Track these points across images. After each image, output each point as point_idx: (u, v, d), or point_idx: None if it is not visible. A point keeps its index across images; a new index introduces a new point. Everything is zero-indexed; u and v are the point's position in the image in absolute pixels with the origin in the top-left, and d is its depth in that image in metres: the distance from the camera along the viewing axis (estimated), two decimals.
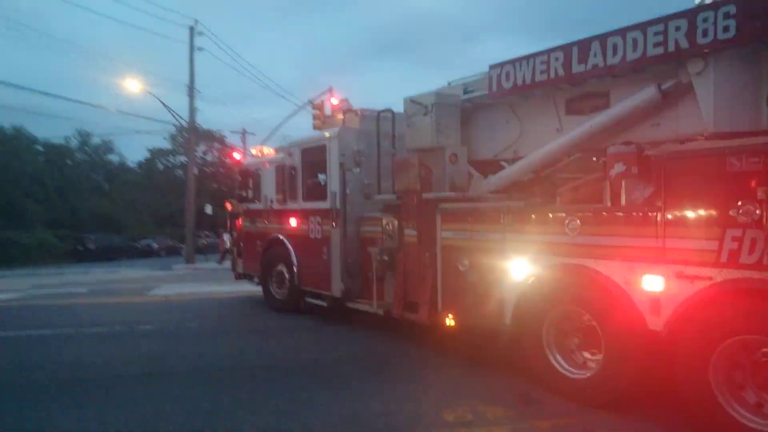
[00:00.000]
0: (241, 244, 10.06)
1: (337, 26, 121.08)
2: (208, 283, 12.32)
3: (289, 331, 7.60)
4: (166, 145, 46.68)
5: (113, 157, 48.95)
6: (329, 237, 7.60)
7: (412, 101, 6.44)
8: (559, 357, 4.72)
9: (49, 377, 5.38)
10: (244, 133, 30.72)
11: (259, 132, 32.73)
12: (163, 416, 4.18)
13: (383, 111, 6.98)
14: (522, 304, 4.94)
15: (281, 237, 8.68)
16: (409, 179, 6.22)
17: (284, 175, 8.52)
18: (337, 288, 7.50)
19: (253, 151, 9.92)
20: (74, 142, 45.67)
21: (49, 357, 6.28)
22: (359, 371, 5.58)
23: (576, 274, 4.54)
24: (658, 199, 4.03)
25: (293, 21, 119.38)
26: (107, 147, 47.56)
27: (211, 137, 40.84)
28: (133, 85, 23.94)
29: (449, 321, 5.75)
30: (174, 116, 24.48)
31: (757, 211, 3.48)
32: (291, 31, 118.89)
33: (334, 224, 7.48)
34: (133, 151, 69.76)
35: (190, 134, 25.97)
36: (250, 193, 9.73)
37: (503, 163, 6.40)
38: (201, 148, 37.71)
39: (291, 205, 8.45)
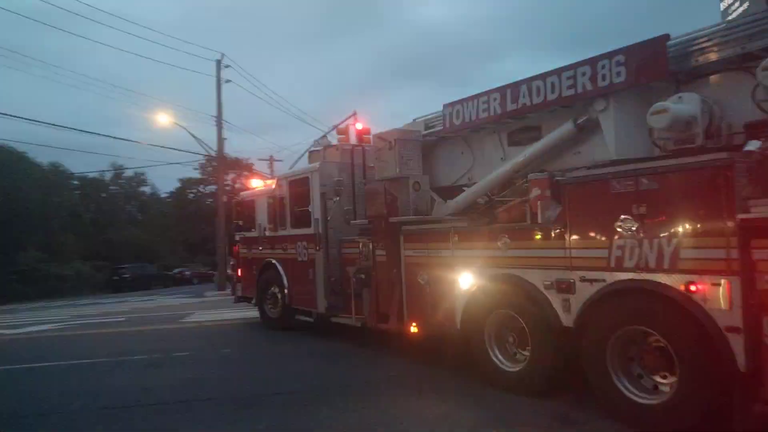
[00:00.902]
0: (239, 270, 11.07)
1: (358, 51, 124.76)
2: (240, 309, 12.18)
3: (321, 356, 7.69)
4: (196, 174, 47.78)
5: (146, 189, 50.72)
6: (314, 259, 8.53)
7: (378, 137, 7.45)
8: (498, 353, 5.56)
9: (90, 405, 5.57)
10: (271, 160, 31.35)
11: (286, 158, 33.76)
12: None
13: (356, 146, 7.99)
14: (468, 310, 5.80)
15: (273, 261, 9.65)
16: (378, 205, 7.18)
17: (274, 205, 9.55)
18: (321, 305, 8.41)
19: (252, 183, 11.00)
20: (108, 176, 47.69)
21: (89, 386, 6.49)
22: (393, 393, 5.59)
23: (508, 283, 5.40)
24: (564, 217, 4.92)
25: (315, 48, 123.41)
26: (140, 179, 49.50)
27: (239, 165, 42.08)
28: (163, 119, 25.30)
29: (413, 328, 6.60)
30: (203, 147, 25.59)
31: (634, 225, 4.37)
32: (313, 58, 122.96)
33: (317, 248, 8.44)
34: (164, 182, 71.88)
35: (219, 163, 26.90)
36: (260, 221, 10.72)
37: (465, 188, 7.36)
38: (230, 176, 38.61)
39: (281, 232, 9.44)
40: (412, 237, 6.70)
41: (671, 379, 4.18)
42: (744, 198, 3.80)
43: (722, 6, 5.02)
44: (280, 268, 9.44)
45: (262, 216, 10.06)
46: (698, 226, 3.98)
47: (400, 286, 6.77)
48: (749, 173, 3.89)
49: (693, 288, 3.97)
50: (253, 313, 11.43)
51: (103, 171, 45.72)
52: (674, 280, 4.08)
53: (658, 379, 4.30)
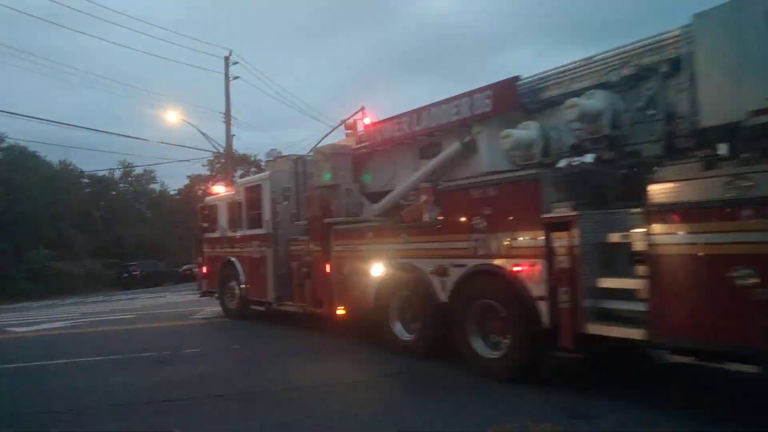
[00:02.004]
0: (204, 267, 12.44)
1: (365, 45, 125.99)
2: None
3: (328, 352, 7.80)
4: (205, 171, 47.58)
5: (155, 186, 50.96)
6: (266, 256, 9.97)
7: (316, 151, 8.93)
8: (399, 326, 7.06)
9: (100, 403, 5.64)
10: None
11: (293, 153, 34.81)
12: None
13: (299, 157, 9.46)
14: (378, 293, 7.27)
15: (232, 259, 11.07)
16: (315, 209, 8.64)
17: (233, 208, 10.98)
18: (271, 296, 9.84)
19: (215, 189, 12.39)
20: (118, 174, 48.04)
21: (100, 383, 6.57)
22: (401, 390, 5.76)
23: (405, 270, 6.89)
24: (442, 217, 6.42)
25: (321, 42, 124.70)
26: (149, 176, 49.82)
27: (247, 161, 42.49)
28: (172, 116, 25.63)
29: (341, 311, 8.07)
30: (211, 143, 25.90)
31: (483, 223, 5.87)
32: (319, 53, 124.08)
33: (268, 246, 9.88)
34: (173, 179, 71.80)
35: (227, 160, 27.15)
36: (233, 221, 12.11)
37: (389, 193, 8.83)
38: (238, 173, 39.04)
39: (238, 233, 10.88)
40: (340, 235, 8.17)
41: (507, 339, 5.69)
42: (550, 202, 5.33)
43: None
44: (237, 264, 10.86)
45: (223, 219, 11.47)
46: (520, 223, 5.50)
47: (331, 275, 8.24)
48: (556, 184, 5.42)
49: (516, 269, 5.48)
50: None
51: (113, 169, 46.49)
52: (505, 263, 5.59)
53: (499, 339, 5.81)
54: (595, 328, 4.91)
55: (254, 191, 10.39)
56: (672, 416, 4.47)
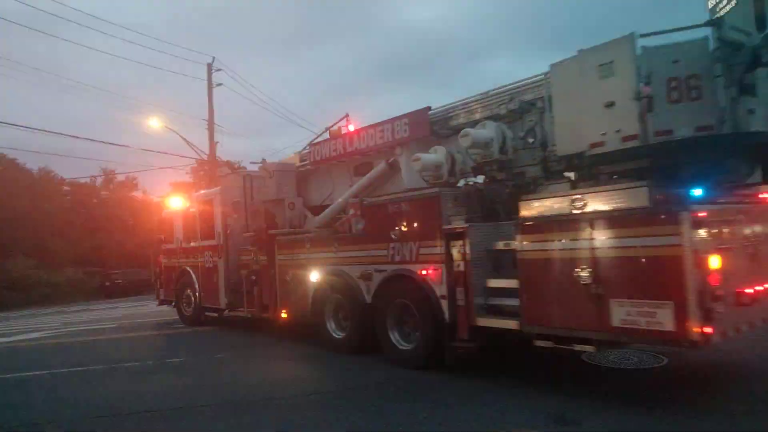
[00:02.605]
0: (162, 277, 13.11)
1: (347, 53, 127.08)
2: (229, 313, 11.41)
3: (307, 359, 7.93)
4: (188, 179, 47.99)
5: (137, 194, 50.08)
6: (217, 265, 10.78)
7: (262, 168, 9.82)
8: (333, 325, 8.00)
9: (83, 414, 5.65)
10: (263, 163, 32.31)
11: (278, 160, 35.23)
12: None
13: (248, 173, 10.33)
14: (315, 297, 8.20)
15: (188, 268, 11.81)
16: (260, 221, 9.52)
17: (188, 221, 11.73)
18: (223, 302, 10.65)
19: (171, 203, 13.09)
20: (99, 181, 47.39)
21: (82, 394, 6.56)
22: (392, 397, 5.71)
23: (337, 276, 7.84)
24: (367, 229, 7.41)
25: (304, 51, 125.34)
26: (131, 183, 49.16)
27: (230, 168, 42.58)
28: (154, 123, 25.66)
29: (284, 314, 8.96)
30: (195, 150, 26.03)
31: (397, 234, 6.87)
32: (303, 61, 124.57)
33: (220, 256, 10.69)
34: (156, 187, 71.05)
35: (210, 167, 26.72)
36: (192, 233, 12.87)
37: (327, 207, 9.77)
38: None
39: (193, 243, 11.64)
40: (283, 245, 9.07)
41: (418, 332, 6.70)
42: (449, 215, 6.37)
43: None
44: (192, 273, 11.61)
45: (179, 230, 12.20)
46: (426, 233, 6.53)
47: (275, 283, 9.12)
48: (455, 200, 6.47)
49: (424, 272, 6.51)
50: (243, 317, 11.33)
51: (95, 176, 45.86)
52: (416, 268, 6.61)
53: (412, 332, 6.82)
54: (483, 321, 5.97)
55: (207, 204, 11.19)
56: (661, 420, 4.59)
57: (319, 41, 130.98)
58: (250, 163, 11.86)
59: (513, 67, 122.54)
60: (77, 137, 39.29)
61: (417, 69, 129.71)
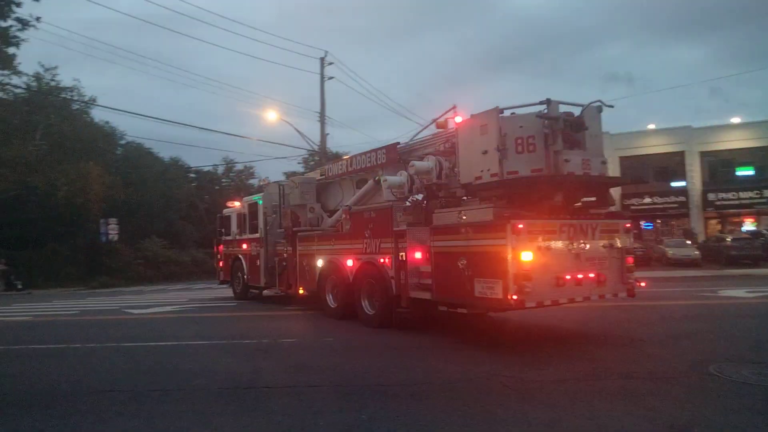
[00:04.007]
0: (221, 262, 17.27)
1: (453, 44, 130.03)
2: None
3: (423, 348, 8.06)
4: (300, 168, 49.70)
5: (253, 182, 54.27)
6: (259, 254, 14.59)
7: (291, 180, 13.47)
8: (330, 298, 11.43)
9: (208, 385, 6.08)
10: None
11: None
12: (305, 427, 4.52)
13: (281, 184, 14.04)
14: (319, 277, 11.66)
15: (239, 256, 15.77)
16: (288, 221, 13.17)
17: (240, 219, 15.71)
18: (262, 282, 14.43)
19: (228, 204, 17.20)
20: (221, 169, 53.37)
21: (206, 365, 7.11)
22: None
23: (333, 262, 11.26)
24: (352, 229, 10.79)
25: (410, 41, 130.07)
26: (248, 172, 54.89)
27: (339, 159, 46.90)
28: (271, 115, 28.17)
29: (301, 291, 12.54)
30: (307, 142, 28.50)
31: (369, 233, 10.19)
32: (409, 52, 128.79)
33: (261, 247, 14.50)
34: (271, 175, 77.28)
35: (321, 158, 28.81)
36: (244, 228, 16.96)
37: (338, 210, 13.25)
38: None
39: (243, 237, 15.58)
40: (302, 239, 12.65)
41: (377, 302, 9.97)
42: (400, 220, 9.59)
43: None
44: (242, 260, 15.56)
45: (233, 226, 16.22)
46: (383, 233, 9.79)
47: (296, 267, 12.74)
48: (405, 210, 9.68)
49: (382, 260, 9.76)
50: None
51: (216, 165, 52.33)
52: (377, 257, 9.88)
53: (374, 302, 10.10)
54: (414, 294, 9.11)
55: (254, 207, 15.06)
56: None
57: (425, 31, 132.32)
58: (282, 173, 15.37)
59: (628, 54, 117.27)
60: (202, 128, 45.15)
61: (525, 58, 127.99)
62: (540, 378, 5.97)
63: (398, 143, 10.82)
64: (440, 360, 7.15)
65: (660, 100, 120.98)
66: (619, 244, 8.39)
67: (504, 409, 4.91)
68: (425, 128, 11.43)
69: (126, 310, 14.82)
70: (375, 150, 11.28)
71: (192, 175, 49.71)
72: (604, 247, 8.21)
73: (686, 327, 9.34)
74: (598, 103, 8.22)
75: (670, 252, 29.54)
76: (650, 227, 38.35)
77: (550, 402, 5.11)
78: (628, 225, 8.68)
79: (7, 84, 30.32)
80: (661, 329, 9.15)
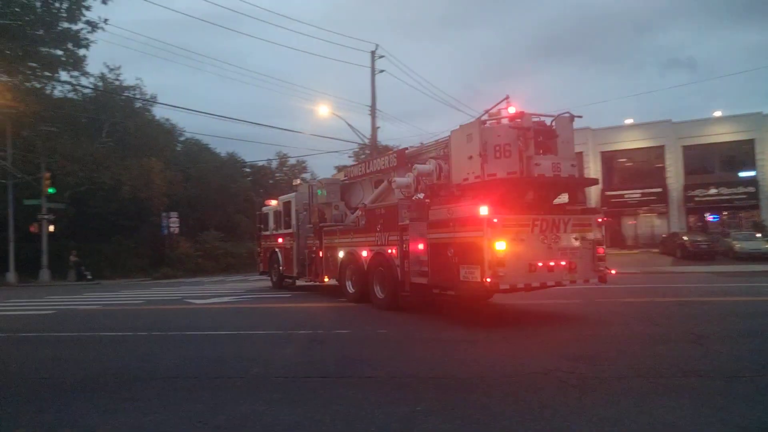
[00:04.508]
0: (261, 255, 19.62)
1: (502, 32, 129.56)
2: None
3: (476, 343, 8.01)
4: (351, 162, 50.39)
5: (306, 176, 53.66)
6: (292, 247, 16.72)
7: (319, 182, 15.53)
8: (349, 285, 13.33)
9: (265, 373, 6.25)
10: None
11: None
12: (363, 417, 4.62)
13: (310, 185, 16.11)
14: (341, 266, 13.55)
15: (276, 249, 17.99)
16: (316, 217, 15.23)
17: (276, 215, 17.94)
18: (295, 272, 16.57)
19: (266, 203, 19.51)
20: (274, 164, 55.68)
21: (263, 355, 7.41)
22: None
23: (351, 253, 13.17)
24: (366, 224, 12.69)
25: (459, 32, 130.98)
26: (301, 167, 56.91)
27: (389, 153, 49.04)
28: (322, 110, 29.34)
29: (326, 279, 14.55)
30: (358, 135, 29.55)
31: (380, 227, 12.06)
32: (459, 42, 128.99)
33: (293, 240, 16.65)
34: (322, 169, 79.32)
35: (372, 151, 29.66)
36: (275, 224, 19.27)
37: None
38: None
39: (279, 231, 17.78)
40: (327, 233, 14.61)
41: (386, 287, 11.82)
42: (404, 216, 11.41)
43: None
44: (278, 252, 17.79)
45: (271, 222, 18.47)
46: (391, 227, 11.61)
47: (322, 258, 14.78)
48: (408, 208, 11.48)
49: (390, 251, 11.58)
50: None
51: (270, 159, 54.59)
52: (386, 248, 11.71)
53: (383, 287, 11.94)
54: (415, 279, 10.84)
55: (287, 205, 17.22)
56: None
57: (476, 21, 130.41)
58: (334, 167, 17.17)
59: (690, 39, 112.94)
60: (257, 124, 47.61)
61: (578, 46, 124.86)
62: (598, 374, 5.81)
63: (406, 149, 12.63)
64: (492, 353, 7.16)
65: (726, 86, 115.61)
66: (590, 237, 9.89)
67: (562, 404, 4.79)
68: (477, 119, 10.79)
69: (187, 300, 15.74)
70: (387, 154, 13.13)
71: (247, 170, 51.93)
72: (575, 239, 9.75)
73: (755, 324, 9.25)
74: (567, 114, 9.76)
75: (738, 245, 28.59)
76: (716, 219, 37.73)
77: (610, 398, 4.97)
78: (600, 220, 10.13)
79: (77, 85, 32.70)
80: (728, 326, 9.05)
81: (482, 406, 4.86)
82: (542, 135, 9.38)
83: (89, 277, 29.40)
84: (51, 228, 29.76)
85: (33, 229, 29.23)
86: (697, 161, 39.04)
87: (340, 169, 18.74)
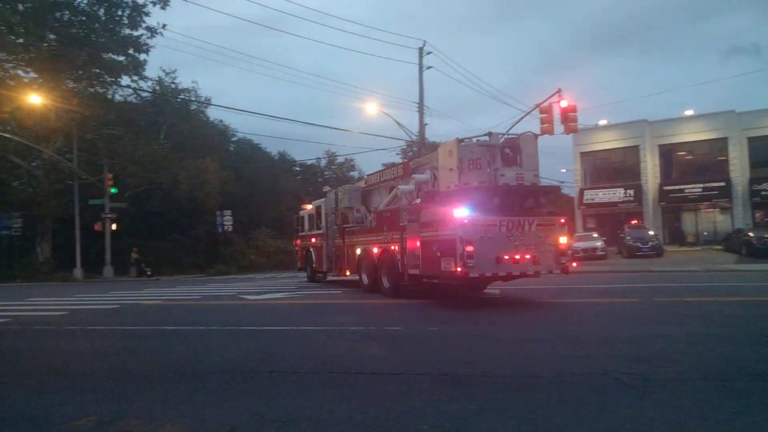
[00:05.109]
0: (298, 253, 22.79)
1: (551, 25, 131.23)
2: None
3: (526, 342, 7.89)
4: (399, 159, 47.26)
5: (354, 174, 58.18)
6: (323, 245, 19.68)
7: (341, 189, 18.43)
8: (365, 277, 15.96)
9: (319, 368, 6.38)
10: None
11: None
12: (415, 414, 4.62)
13: (336, 191, 19.03)
14: (359, 261, 16.12)
15: (310, 248, 21.03)
16: (340, 220, 18.14)
17: (310, 218, 21.03)
18: (325, 267, 19.51)
19: (302, 207, 22.64)
20: (323, 162, 57.77)
21: (317, 350, 7.61)
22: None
23: (366, 250, 15.81)
24: (377, 225, 15.44)
25: (508, 25, 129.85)
26: (349, 165, 59.37)
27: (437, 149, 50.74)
28: (370, 108, 30.09)
29: (347, 273, 17.35)
30: (406, 133, 30.17)
31: (386, 227, 14.77)
32: (508, 36, 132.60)
33: (323, 240, 19.65)
34: (370, 167, 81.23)
35: (419, 148, 29.90)
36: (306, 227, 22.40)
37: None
38: None
39: (312, 232, 20.79)
40: (349, 233, 17.36)
41: (390, 278, 14.44)
42: (404, 218, 14.05)
43: None
44: (311, 251, 20.87)
45: (306, 224, 21.54)
46: (394, 227, 14.23)
47: (345, 255, 17.65)
48: (409, 211, 14.13)
49: (393, 248, 14.14)
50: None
51: (319, 158, 56.91)
52: (391, 245, 14.35)
53: (388, 278, 14.57)
54: (412, 271, 13.31)
55: (318, 209, 20.19)
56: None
57: (524, 14, 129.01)
58: (381, 164, 19.65)
59: (752, 24, 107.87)
60: (307, 123, 50.64)
61: (632, 35, 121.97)
62: (660, 376, 5.61)
63: (409, 161, 15.32)
64: (549, 353, 6.96)
65: None
66: (553, 235, 12.21)
67: (621, 407, 4.67)
68: (528, 113, 12.52)
69: (242, 296, 16.30)
70: (395, 166, 15.85)
71: (297, 168, 54.15)
72: (539, 236, 12.11)
73: None
74: (530, 133, 12.14)
75: None
76: None
77: (673, 402, 4.79)
78: (563, 221, 12.41)
79: (138, 89, 34.99)
80: None
81: (537, 406, 4.77)
82: (510, 150, 11.78)
83: (149, 273, 31.19)
84: (113, 226, 32.20)
85: (97, 227, 31.75)
86: (763, 153, 37.67)
87: (386, 165, 20.83)
